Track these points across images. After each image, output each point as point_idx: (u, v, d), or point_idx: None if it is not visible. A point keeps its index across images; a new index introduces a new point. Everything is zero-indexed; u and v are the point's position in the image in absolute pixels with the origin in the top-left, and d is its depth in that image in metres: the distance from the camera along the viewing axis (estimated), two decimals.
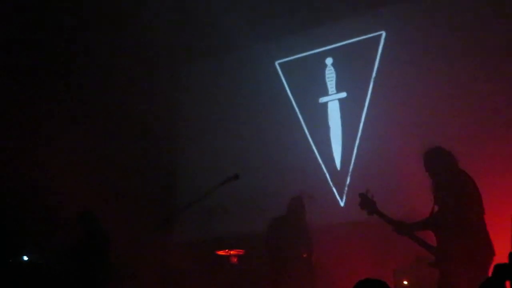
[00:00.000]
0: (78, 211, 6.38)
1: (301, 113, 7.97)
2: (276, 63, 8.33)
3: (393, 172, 6.60)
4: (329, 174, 7.50)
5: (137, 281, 6.91)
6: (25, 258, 6.45)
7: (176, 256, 7.29)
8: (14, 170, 7.20)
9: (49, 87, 7.89)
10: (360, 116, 7.40)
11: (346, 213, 7.05)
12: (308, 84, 8.00)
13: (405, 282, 5.69)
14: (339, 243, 6.63)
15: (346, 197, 7.24)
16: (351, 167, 7.35)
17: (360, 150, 7.32)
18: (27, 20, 7.58)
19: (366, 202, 4.61)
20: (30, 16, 7.57)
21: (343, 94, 7.66)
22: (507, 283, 2.42)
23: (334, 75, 7.79)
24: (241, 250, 6.86)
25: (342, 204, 7.29)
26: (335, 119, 7.65)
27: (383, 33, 7.48)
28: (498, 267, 2.42)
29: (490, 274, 2.47)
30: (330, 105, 7.73)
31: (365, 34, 7.62)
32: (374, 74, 7.41)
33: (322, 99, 7.79)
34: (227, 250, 6.83)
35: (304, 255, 5.95)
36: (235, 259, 6.86)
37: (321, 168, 7.57)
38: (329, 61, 7.87)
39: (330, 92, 7.76)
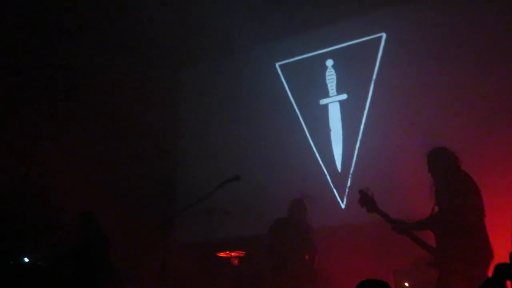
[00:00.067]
0: (79, 212, 6.38)
1: (301, 115, 7.98)
2: (277, 64, 8.34)
3: (394, 174, 6.59)
4: (330, 176, 7.50)
5: (137, 282, 6.89)
6: (26, 259, 6.44)
7: (176, 257, 7.26)
8: (14, 170, 7.19)
9: (49, 87, 7.89)
10: (361, 118, 7.40)
11: (346, 215, 7.05)
12: (309, 86, 8.00)
13: (406, 284, 5.68)
14: (340, 245, 6.62)
15: (347, 199, 7.23)
16: (352, 169, 7.35)
17: (361, 152, 7.32)
18: (27, 20, 7.58)
19: (365, 199, 4.59)
20: (30, 16, 7.57)
21: (344, 96, 7.66)
22: (508, 283, 2.42)
23: (334, 77, 7.79)
24: (242, 252, 6.84)
25: (343, 206, 7.29)
26: (336, 121, 7.65)
27: (384, 35, 7.49)
28: (499, 266, 2.42)
29: (489, 274, 2.47)
30: (330, 107, 7.74)
31: (366, 36, 7.64)
32: (374, 76, 7.42)
33: (323, 101, 7.80)
34: (227, 252, 6.81)
35: (306, 257, 5.94)
36: (236, 261, 6.83)
37: (322, 170, 7.57)
38: (329, 63, 7.88)
39: (330, 94, 7.77)
